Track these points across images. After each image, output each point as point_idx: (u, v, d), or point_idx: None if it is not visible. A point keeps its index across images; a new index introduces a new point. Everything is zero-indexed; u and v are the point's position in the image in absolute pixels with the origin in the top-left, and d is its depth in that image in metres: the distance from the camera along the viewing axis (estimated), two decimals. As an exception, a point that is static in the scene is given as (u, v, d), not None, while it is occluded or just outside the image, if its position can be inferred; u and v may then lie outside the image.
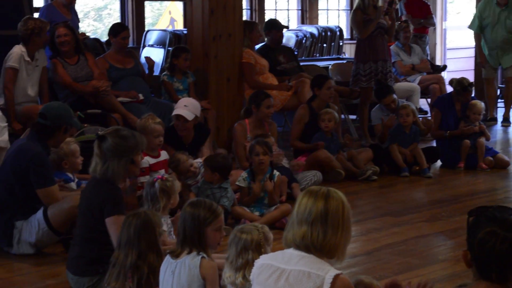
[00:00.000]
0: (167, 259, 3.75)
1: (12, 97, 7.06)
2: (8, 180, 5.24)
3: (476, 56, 11.82)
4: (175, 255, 3.71)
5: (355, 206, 6.49)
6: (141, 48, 11.04)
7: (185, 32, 9.91)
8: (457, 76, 8.69)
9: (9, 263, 5.21)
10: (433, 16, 12.68)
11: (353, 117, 10.14)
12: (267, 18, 12.55)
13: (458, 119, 8.31)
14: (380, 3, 9.19)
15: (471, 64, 12.79)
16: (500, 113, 11.37)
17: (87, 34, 9.11)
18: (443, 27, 15.04)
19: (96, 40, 9.72)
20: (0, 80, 7.18)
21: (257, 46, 9.15)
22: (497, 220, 2.57)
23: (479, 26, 10.99)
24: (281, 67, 9.28)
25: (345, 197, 3.07)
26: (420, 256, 5.22)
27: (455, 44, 16.18)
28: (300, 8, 13.81)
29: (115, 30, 8.05)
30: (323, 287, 2.89)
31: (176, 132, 6.73)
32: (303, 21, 13.71)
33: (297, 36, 12.33)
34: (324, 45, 12.68)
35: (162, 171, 6.01)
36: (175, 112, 6.73)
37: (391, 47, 10.65)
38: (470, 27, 11.20)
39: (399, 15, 12.08)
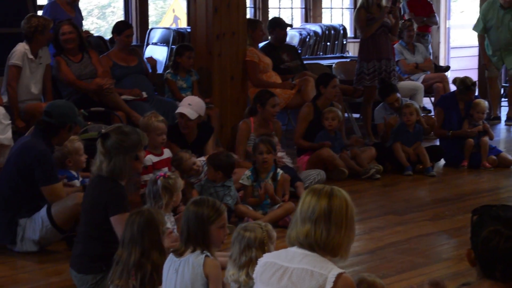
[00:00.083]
0: (171, 257, 3.74)
1: (16, 95, 7.07)
2: (12, 177, 5.24)
3: (480, 55, 11.81)
4: (179, 253, 3.71)
5: (359, 205, 6.48)
6: (144, 46, 11.02)
7: (188, 30, 9.89)
8: (461, 75, 8.68)
9: (12, 260, 5.21)
10: (436, 15, 12.67)
11: (357, 115, 10.12)
12: (270, 16, 12.55)
13: (461, 118, 8.30)
14: (384, 2, 9.18)
15: (474, 63, 12.77)
16: (503, 112, 11.36)
17: (90, 32, 9.11)
18: (447, 26, 15.02)
19: (100, 38, 9.73)
20: (4, 78, 7.18)
21: (260, 44, 9.13)
22: (501, 219, 2.57)
23: (484, 28, 10.99)
24: (285, 65, 9.27)
25: (349, 195, 3.07)
26: (424, 255, 5.21)
27: (459, 43, 16.17)
28: (303, 6, 13.80)
29: (118, 28, 8.05)
30: (326, 285, 2.89)
31: (179, 130, 6.73)
32: (306, 19, 13.70)
33: (300, 34, 12.32)
34: (328, 43, 12.67)
35: (165, 169, 6.01)
36: (178, 110, 6.74)
37: (395, 46, 10.64)
38: (475, 29, 11.18)
39: (402, 13, 12.07)
